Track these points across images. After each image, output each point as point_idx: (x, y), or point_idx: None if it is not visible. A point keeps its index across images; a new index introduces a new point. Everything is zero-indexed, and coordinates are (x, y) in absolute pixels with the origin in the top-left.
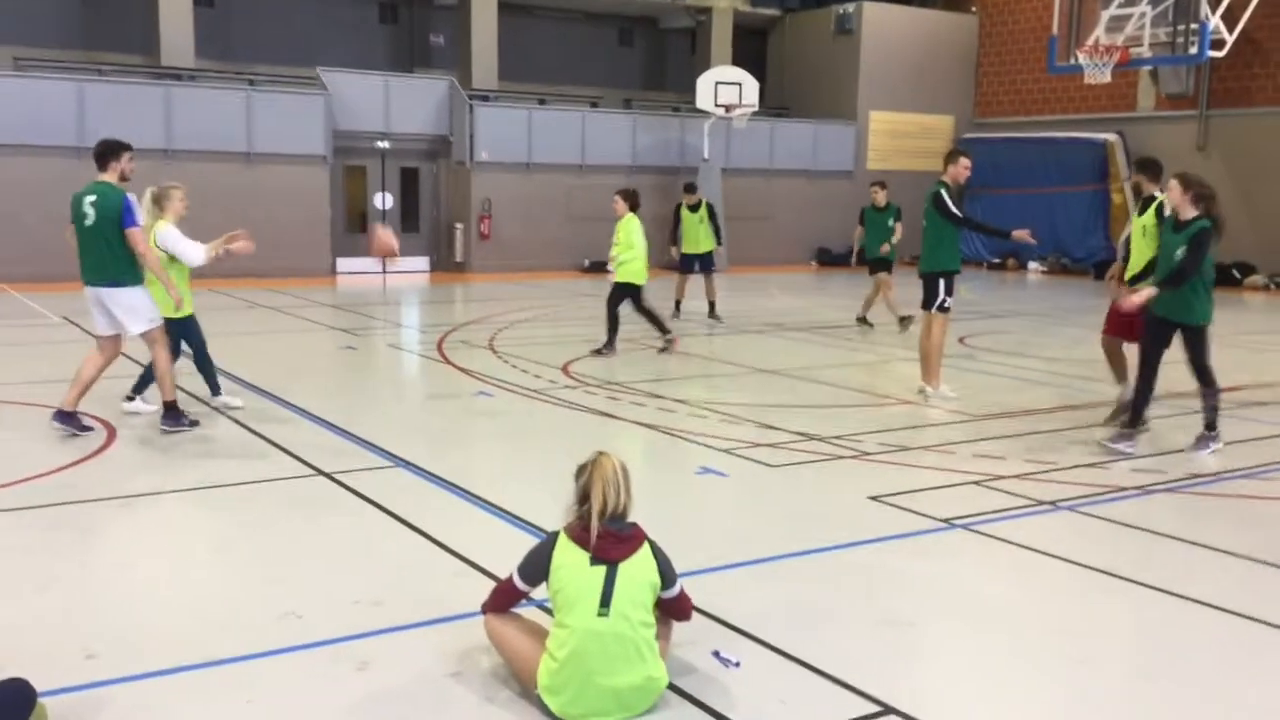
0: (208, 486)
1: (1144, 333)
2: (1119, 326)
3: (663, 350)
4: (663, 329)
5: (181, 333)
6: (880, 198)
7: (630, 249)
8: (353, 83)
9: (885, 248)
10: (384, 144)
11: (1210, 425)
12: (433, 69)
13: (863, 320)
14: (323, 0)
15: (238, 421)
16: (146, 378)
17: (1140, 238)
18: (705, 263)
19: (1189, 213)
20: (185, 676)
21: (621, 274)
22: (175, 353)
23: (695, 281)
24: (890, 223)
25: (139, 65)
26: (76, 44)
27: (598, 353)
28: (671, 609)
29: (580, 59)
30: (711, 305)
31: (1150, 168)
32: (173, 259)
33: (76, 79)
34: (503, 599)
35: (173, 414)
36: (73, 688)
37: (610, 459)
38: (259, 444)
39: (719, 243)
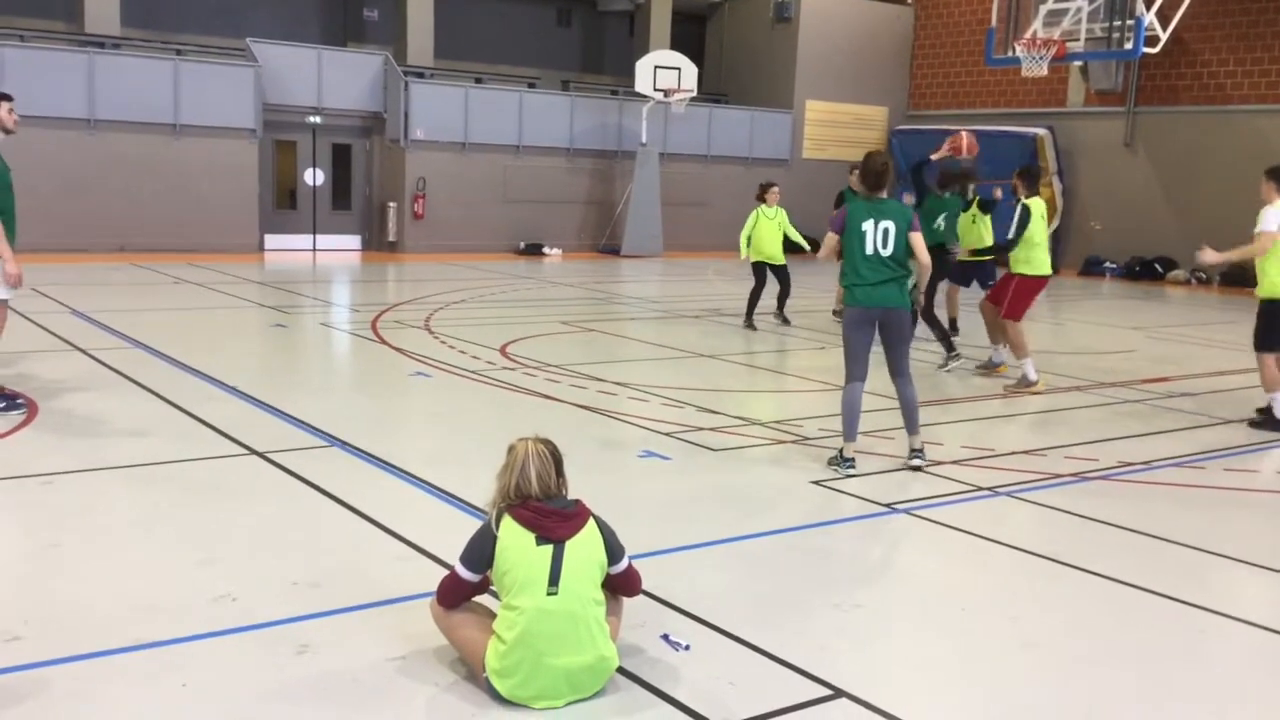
0: (135, 465)
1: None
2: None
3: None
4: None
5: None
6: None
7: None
8: (284, 55)
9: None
10: (315, 119)
11: None
12: (366, 44)
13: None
14: None
15: (164, 399)
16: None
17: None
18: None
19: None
20: (116, 659)
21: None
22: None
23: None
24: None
25: (61, 32)
26: None
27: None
28: (619, 585)
29: (518, 39)
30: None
31: (1031, 175)
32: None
33: None
34: (454, 594)
35: None
36: None
37: (533, 441)
38: (188, 421)
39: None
